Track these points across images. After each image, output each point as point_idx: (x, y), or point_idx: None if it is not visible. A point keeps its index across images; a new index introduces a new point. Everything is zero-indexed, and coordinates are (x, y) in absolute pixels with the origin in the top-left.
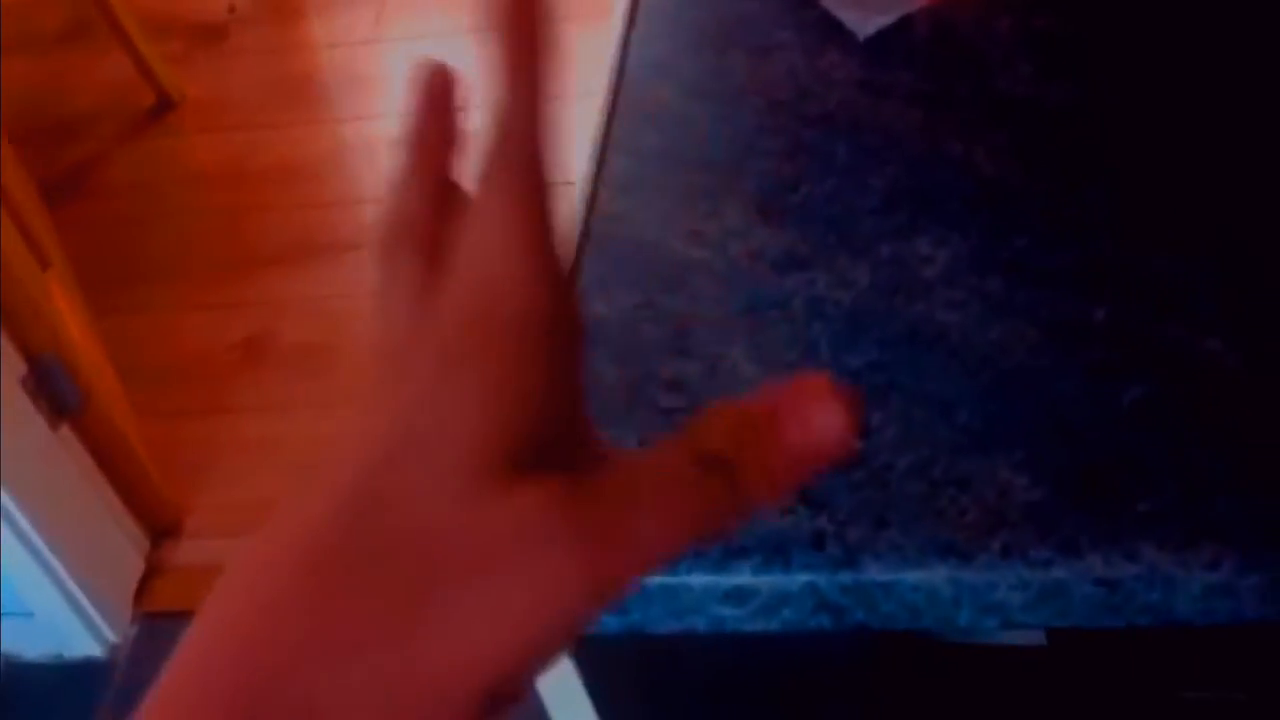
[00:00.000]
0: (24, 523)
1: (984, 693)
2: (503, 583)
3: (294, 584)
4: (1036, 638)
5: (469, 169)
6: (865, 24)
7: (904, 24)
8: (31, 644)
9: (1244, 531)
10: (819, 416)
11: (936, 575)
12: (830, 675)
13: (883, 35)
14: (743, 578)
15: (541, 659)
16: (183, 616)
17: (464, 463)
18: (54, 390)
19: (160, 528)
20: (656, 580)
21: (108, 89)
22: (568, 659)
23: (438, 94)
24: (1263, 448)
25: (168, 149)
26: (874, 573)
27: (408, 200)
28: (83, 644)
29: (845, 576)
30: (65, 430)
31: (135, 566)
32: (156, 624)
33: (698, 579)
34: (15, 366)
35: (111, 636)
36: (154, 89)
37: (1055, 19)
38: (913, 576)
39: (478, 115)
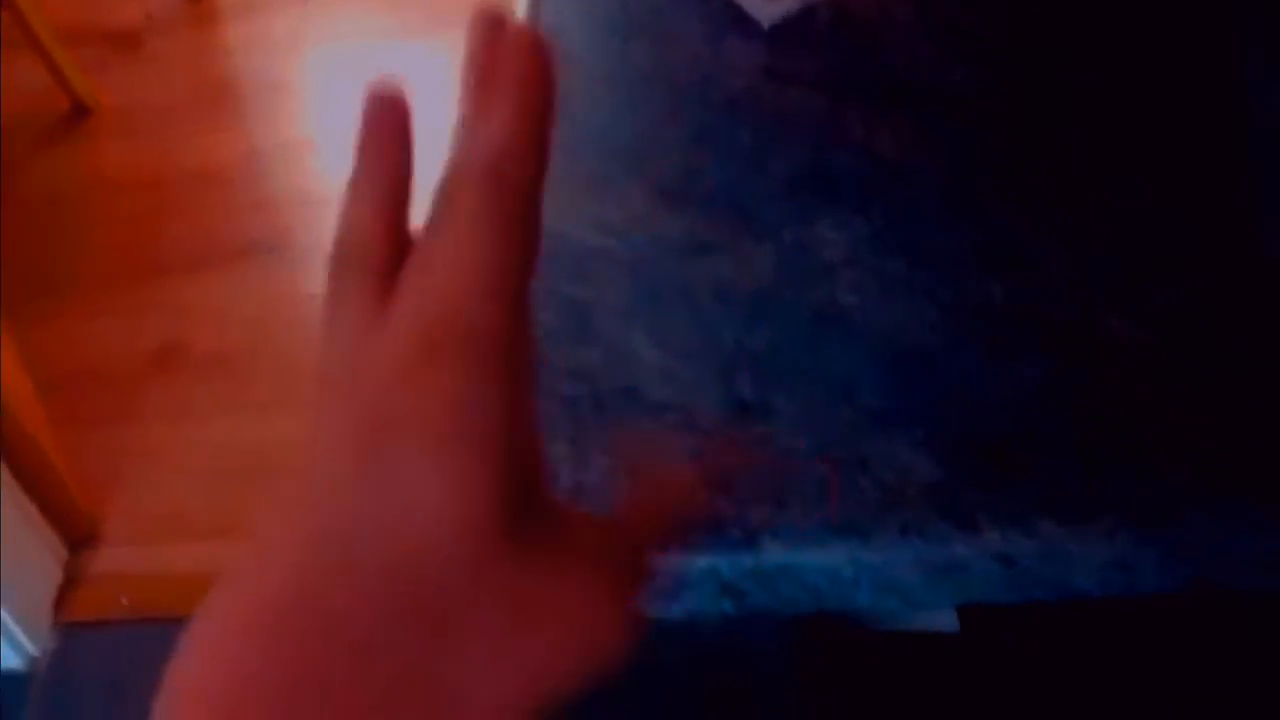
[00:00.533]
0: None
1: (902, 677)
2: (534, 639)
3: (288, 652)
4: (949, 623)
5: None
6: (769, 12)
7: (807, 12)
8: None
9: (1139, 506)
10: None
11: (836, 555)
12: (753, 666)
13: (786, 23)
14: None
15: (569, 695)
16: (102, 626)
17: (462, 527)
18: None
19: (77, 537)
20: None
21: (22, 96)
22: None
23: (389, 114)
24: (1159, 424)
25: (82, 156)
26: (775, 554)
27: (360, 219)
28: (3, 657)
29: (746, 559)
30: None
31: (53, 576)
32: (76, 634)
33: None
34: None
35: (31, 648)
36: (69, 96)
37: (954, 6)
38: (813, 557)
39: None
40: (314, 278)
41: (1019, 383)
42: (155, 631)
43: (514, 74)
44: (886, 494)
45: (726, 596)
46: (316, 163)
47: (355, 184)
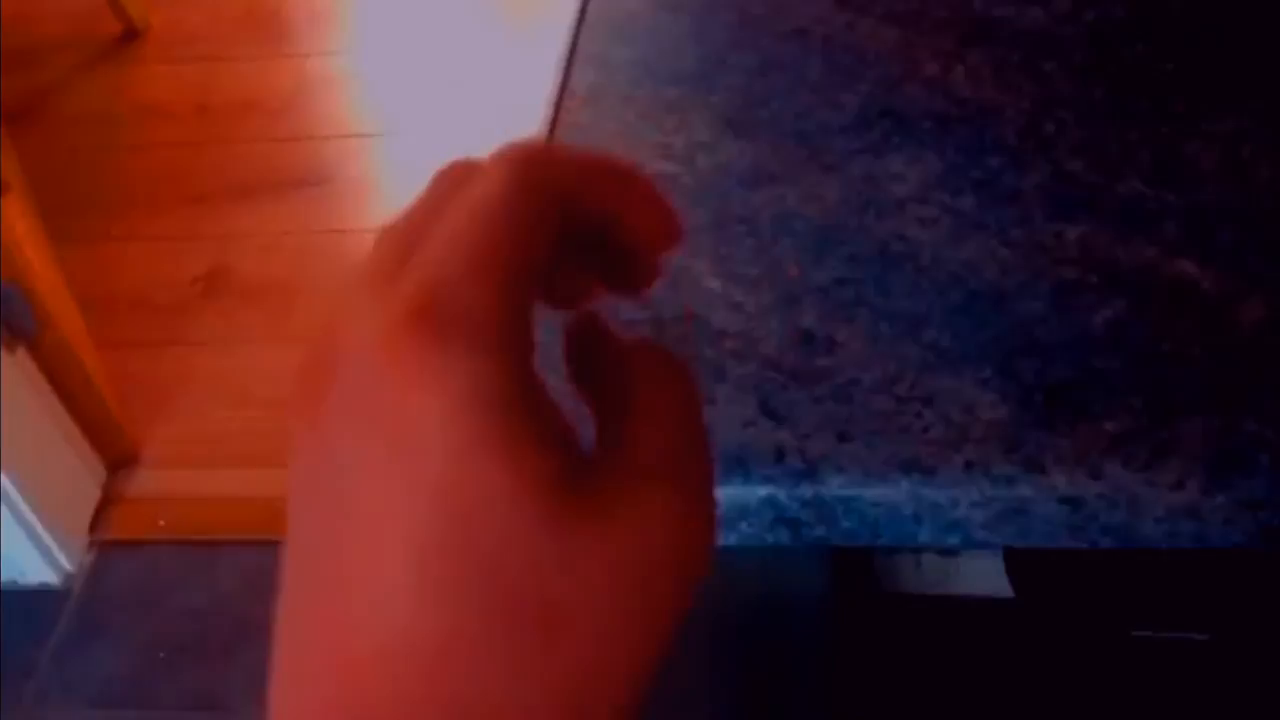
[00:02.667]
0: None
1: (949, 644)
2: (630, 593)
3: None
4: (1001, 587)
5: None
6: None
7: None
8: None
9: (1210, 453)
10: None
11: (898, 490)
12: (792, 620)
13: None
14: None
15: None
16: (138, 546)
17: (522, 503)
18: (11, 315)
19: (117, 457)
20: None
21: (73, 17)
22: None
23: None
24: (1232, 371)
25: (130, 79)
26: (835, 486)
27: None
28: (38, 570)
29: (805, 490)
30: (22, 355)
31: (91, 494)
32: (111, 552)
33: None
34: None
35: (67, 564)
36: (120, 19)
37: None
38: (874, 491)
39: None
40: (357, 212)
41: (1089, 325)
42: (190, 553)
43: None
44: (951, 431)
45: (783, 526)
46: (363, 97)
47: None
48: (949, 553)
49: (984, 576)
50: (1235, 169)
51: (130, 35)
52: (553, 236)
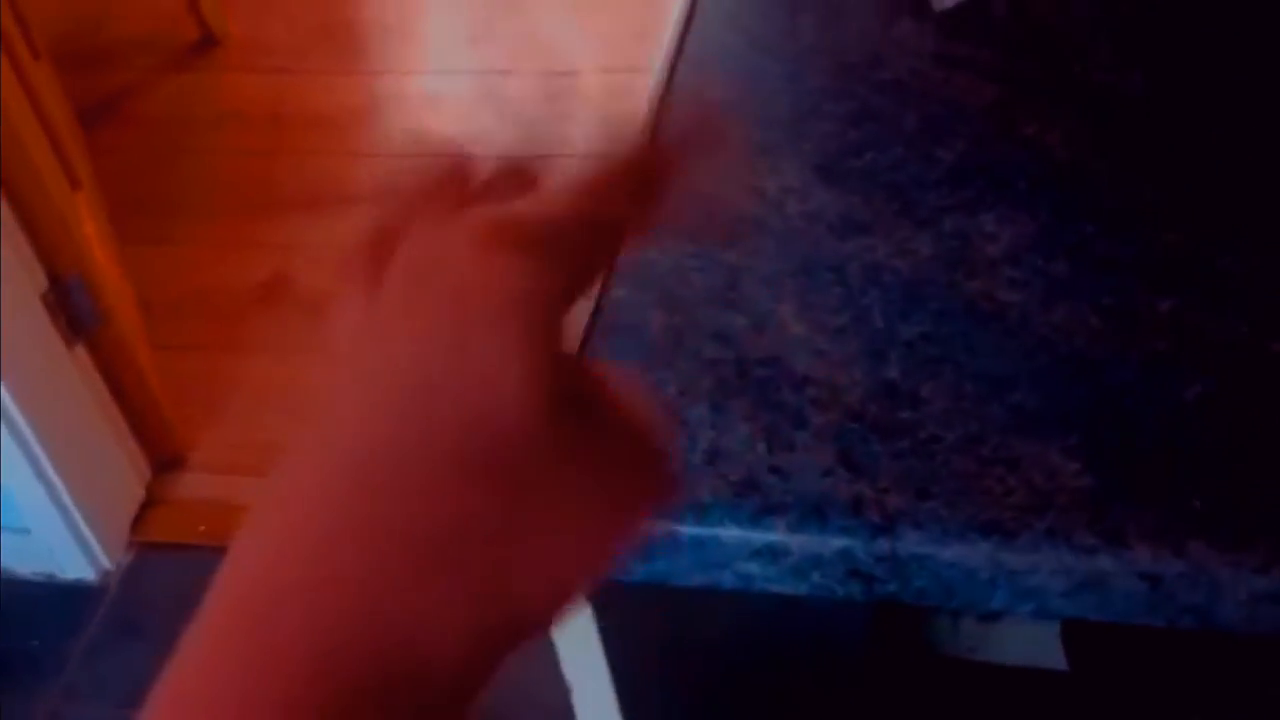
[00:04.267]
0: (30, 437)
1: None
2: (594, 476)
3: (364, 494)
4: (1056, 660)
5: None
6: None
7: (982, 1)
8: (26, 561)
9: None
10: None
11: (976, 552)
12: (829, 678)
13: (960, 9)
14: (776, 535)
15: (626, 548)
16: (177, 549)
17: (527, 388)
18: (74, 309)
19: (164, 458)
20: (687, 531)
21: (153, 20)
22: (585, 603)
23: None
24: None
25: (205, 85)
26: (912, 543)
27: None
28: (76, 566)
29: (882, 544)
30: (80, 350)
31: (135, 494)
32: (151, 554)
33: (729, 533)
34: (38, 281)
35: (106, 562)
36: (199, 25)
37: (1136, 4)
38: (951, 551)
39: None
40: None
41: (1179, 398)
42: None
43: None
44: (1034, 496)
45: (855, 580)
46: (434, 116)
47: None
48: (988, 617)
49: (1023, 644)
50: None
51: (208, 42)
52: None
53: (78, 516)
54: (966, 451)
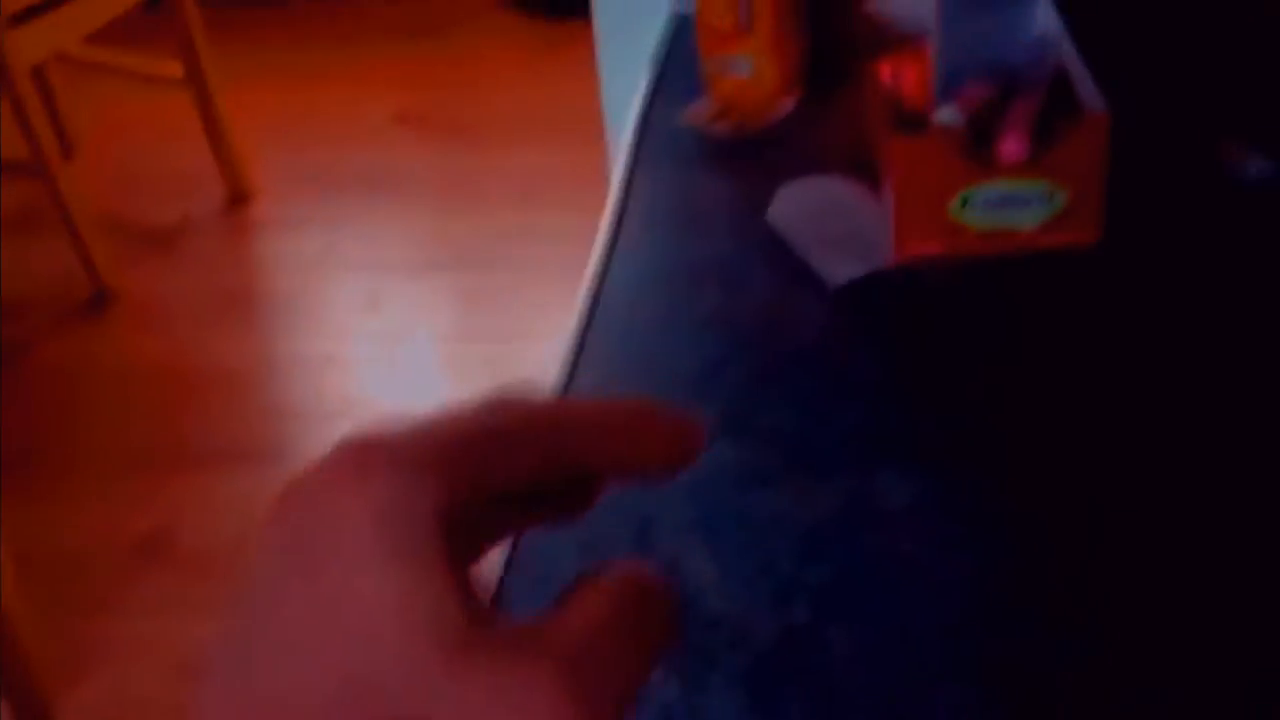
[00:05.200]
0: None
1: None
2: None
3: None
4: None
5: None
6: (836, 273)
7: (874, 278)
8: None
9: None
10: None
11: None
12: None
13: (853, 286)
14: None
15: None
16: None
17: (404, 632)
18: None
19: (30, 718)
20: None
21: (48, 276)
22: None
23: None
24: (1227, 711)
25: (97, 343)
26: None
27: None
28: None
29: None
30: None
31: None
32: None
33: None
34: None
35: None
36: (94, 283)
37: (1019, 296)
38: None
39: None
40: None
41: (1082, 654)
42: None
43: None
44: None
45: None
46: (324, 381)
47: None
48: None
49: None
50: (1214, 522)
51: (103, 300)
52: (526, 469)
53: None
54: (875, 694)
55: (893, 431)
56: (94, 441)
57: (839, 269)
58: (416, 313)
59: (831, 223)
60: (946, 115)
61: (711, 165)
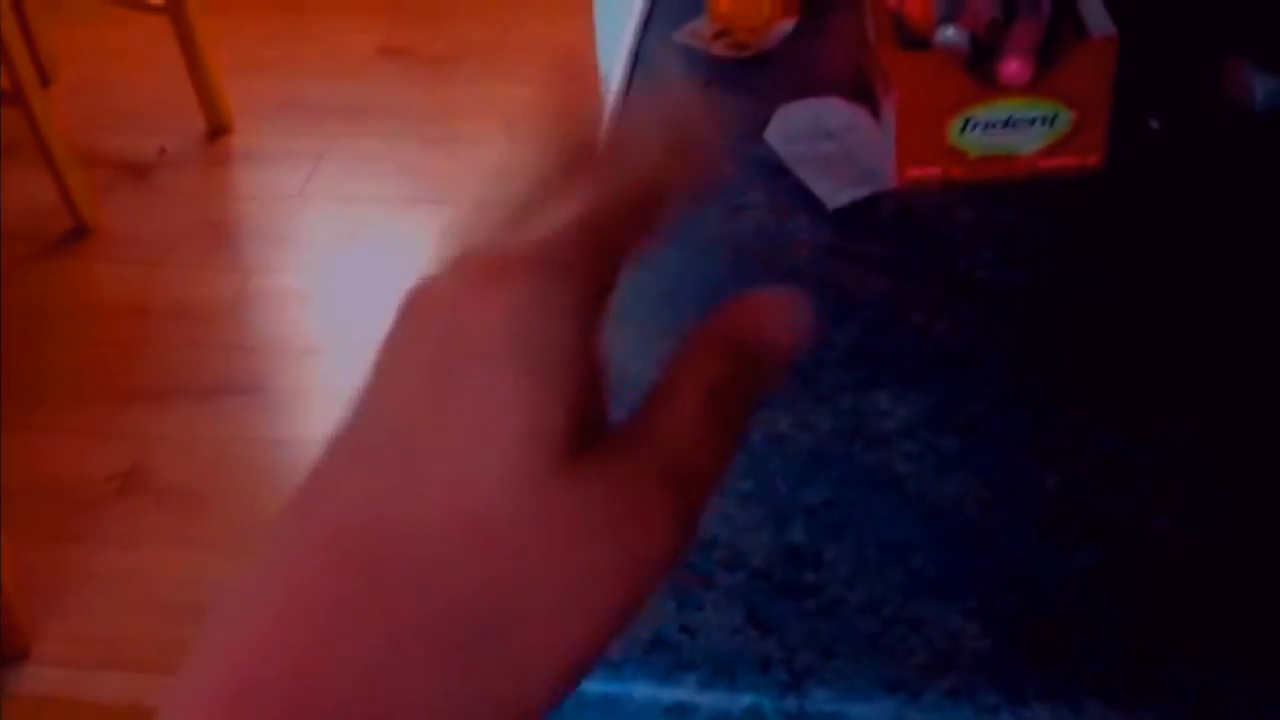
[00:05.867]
0: None
1: None
2: (596, 554)
3: (349, 586)
4: None
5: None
6: (835, 196)
7: (872, 201)
8: None
9: (1186, 697)
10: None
11: (882, 710)
12: None
13: (852, 208)
14: (686, 693)
15: (629, 622)
16: None
17: (522, 444)
18: None
19: (7, 653)
20: (595, 688)
21: (26, 208)
22: None
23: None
24: (1207, 623)
25: (74, 275)
26: (819, 700)
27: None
28: None
29: (790, 701)
30: None
31: None
32: None
33: (640, 690)
34: None
35: None
36: (72, 215)
37: (1015, 213)
38: (858, 709)
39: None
40: (283, 424)
41: (1070, 566)
42: None
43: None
44: (936, 656)
45: None
46: (302, 315)
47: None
48: None
49: None
50: (1205, 435)
51: (80, 232)
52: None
53: None
54: (870, 612)
55: (890, 353)
56: (71, 374)
57: (838, 191)
58: (398, 247)
59: (830, 145)
60: (949, 35)
61: (709, 86)
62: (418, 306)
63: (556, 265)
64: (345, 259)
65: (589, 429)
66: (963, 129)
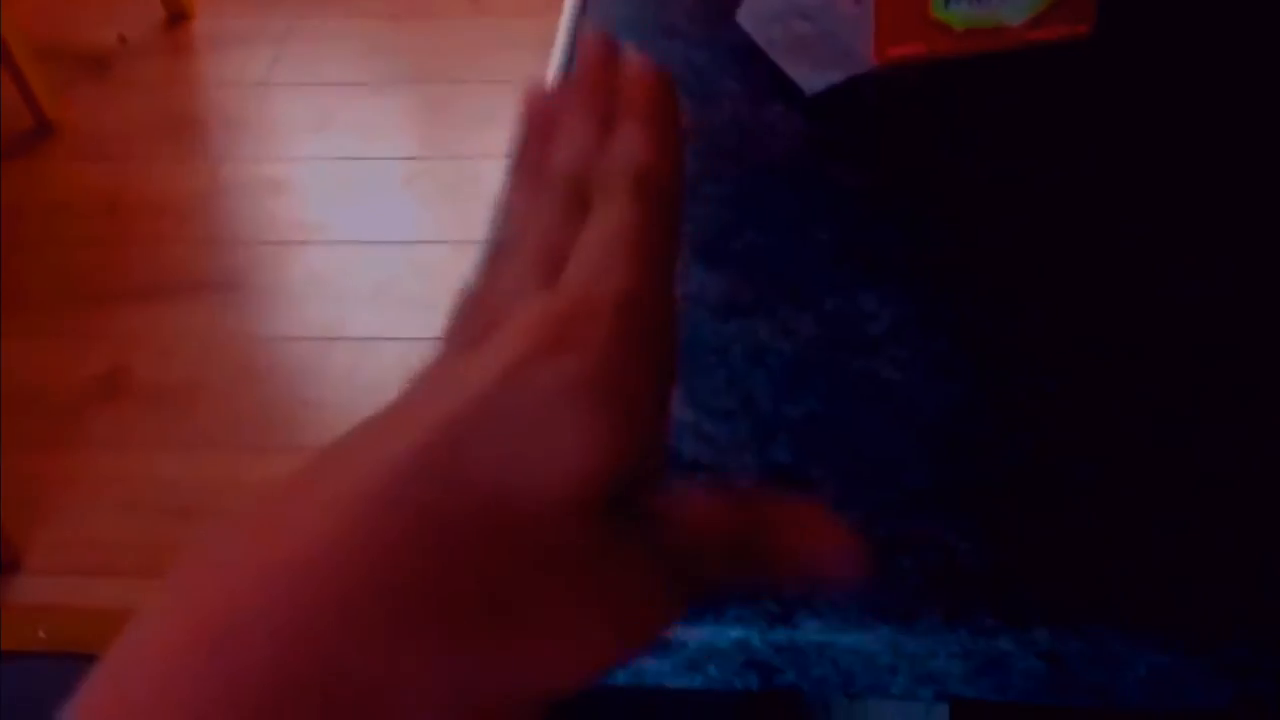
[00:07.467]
0: None
1: None
2: (603, 598)
3: (390, 535)
4: None
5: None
6: (812, 80)
7: (852, 86)
8: None
9: (1193, 618)
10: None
11: (876, 638)
12: None
13: (832, 94)
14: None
15: (605, 672)
16: (15, 658)
17: (583, 476)
18: None
19: None
20: None
21: None
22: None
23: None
24: (1218, 542)
25: (40, 175)
26: (810, 631)
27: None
28: None
29: (780, 633)
30: None
31: None
32: None
33: None
34: None
35: None
36: (34, 114)
37: (1006, 99)
38: (850, 638)
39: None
40: (263, 319)
41: (1072, 480)
42: (71, 667)
43: (646, 100)
44: (931, 579)
45: (752, 671)
46: (276, 206)
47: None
48: (856, 697)
49: None
50: (1218, 354)
51: (43, 130)
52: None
53: None
54: (861, 534)
55: (875, 250)
56: (43, 276)
57: (815, 75)
58: (371, 131)
59: (806, 25)
60: None
61: None
62: (513, 313)
63: (644, 307)
64: (318, 145)
65: (640, 480)
66: (946, 1)
